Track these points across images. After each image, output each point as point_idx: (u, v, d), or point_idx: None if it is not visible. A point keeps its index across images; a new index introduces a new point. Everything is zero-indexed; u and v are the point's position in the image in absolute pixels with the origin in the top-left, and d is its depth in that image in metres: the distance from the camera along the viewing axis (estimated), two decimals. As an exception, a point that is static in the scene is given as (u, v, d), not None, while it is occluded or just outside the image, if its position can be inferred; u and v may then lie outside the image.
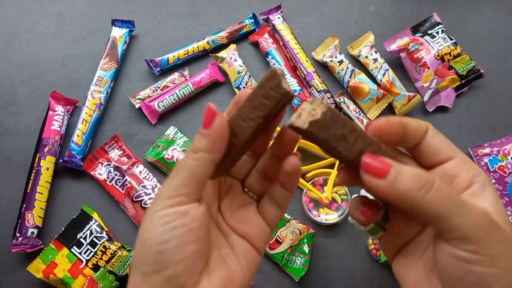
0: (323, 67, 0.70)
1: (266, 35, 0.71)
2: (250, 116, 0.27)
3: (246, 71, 0.67)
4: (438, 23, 0.69)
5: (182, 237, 0.26)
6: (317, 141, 0.26)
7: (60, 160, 0.62)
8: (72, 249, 0.57)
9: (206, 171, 0.27)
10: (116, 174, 0.62)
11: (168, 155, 0.62)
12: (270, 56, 0.69)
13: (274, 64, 0.68)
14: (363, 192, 0.36)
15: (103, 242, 0.57)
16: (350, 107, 0.64)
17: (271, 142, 0.33)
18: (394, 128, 0.27)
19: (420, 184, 0.24)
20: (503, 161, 0.62)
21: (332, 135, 0.25)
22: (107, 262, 0.56)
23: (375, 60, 0.67)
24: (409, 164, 0.27)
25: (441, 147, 0.28)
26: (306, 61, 0.67)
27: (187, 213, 0.27)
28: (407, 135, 0.28)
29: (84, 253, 0.57)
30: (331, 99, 0.65)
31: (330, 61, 0.67)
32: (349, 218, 0.36)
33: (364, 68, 0.69)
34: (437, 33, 0.68)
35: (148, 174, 0.62)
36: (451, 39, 0.67)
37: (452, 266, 0.25)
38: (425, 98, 0.66)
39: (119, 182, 0.61)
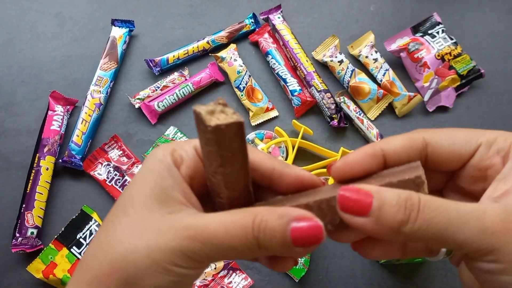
0: (323, 67, 0.69)
1: (266, 35, 0.71)
2: (213, 171, 0.22)
3: (246, 71, 0.67)
4: (439, 23, 0.69)
5: None
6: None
7: (60, 160, 0.62)
8: (72, 250, 0.57)
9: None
10: (115, 174, 0.61)
11: (168, 155, 0.62)
12: (270, 56, 0.68)
13: (274, 63, 0.68)
14: None
15: (103, 242, 0.57)
16: (350, 107, 0.64)
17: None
18: (362, 165, 0.22)
19: (407, 212, 0.19)
20: (504, 161, 0.62)
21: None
22: (107, 262, 0.56)
23: (375, 60, 0.67)
24: None
25: (460, 147, 0.23)
26: (306, 61, 0.67)
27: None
28: (391, 162, 0.23)
29: (84, 254, 0.57)
30: (331, 99, 0.65)
31: (330, 61, 0.67)
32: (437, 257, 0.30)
33: (364, 68, 0.69)
34: (438, 33, 0.68)
35: (148, 174, 0.62)
36: (452, 39, 0.67)
37: (484, 280, 0.21)
38: (426, 98, 0.66)
39: (119, 182, 0.61)
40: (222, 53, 0.68)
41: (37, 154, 0.61)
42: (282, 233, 0.19)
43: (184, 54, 0.69)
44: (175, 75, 0.68)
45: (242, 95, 0.66)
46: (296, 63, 0.67)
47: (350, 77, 0.66)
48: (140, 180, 0.23)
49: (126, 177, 0.61)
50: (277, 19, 0.70)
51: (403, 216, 0.19)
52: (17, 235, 0.57)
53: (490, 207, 0.20)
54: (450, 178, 0.25)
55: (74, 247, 0.57)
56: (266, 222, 0.20)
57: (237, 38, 0.71)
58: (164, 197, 0.22)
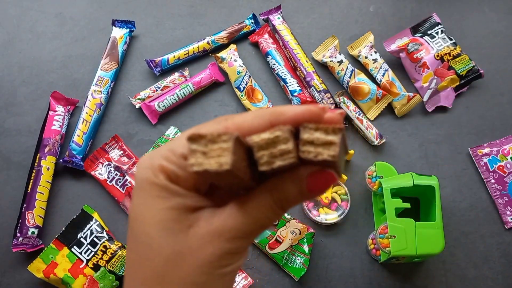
0: (323, 67, 0.70)
1: (266, 35, 0.71)
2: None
3: (246, 71, 0.67)
4: (438, 23, 0.69)
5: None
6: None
7: (61, 160, 0.62)
8: (72, 249, 0.57)
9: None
10: (116, 174, 0.62)
11: (168, 155, 0.62)
12: (270, 56, 0.69)
13: (274, 64, 0.68)
14: None
15: (104, 242, 0.57)
16: (349, 107, 0.65)
17: None
18: None
19: None
20: (503, 161, 0.62)
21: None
22: (107, 261, 0.56)
23: (375, 60, 0.67)
24: None
25: None
26: (306, 61, 0.67)
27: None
28: None
29: (85, 253, 0.57)
30: (331, 99, 0.65)
31: (330, 61, 0.67)
32: None
33: (363, 68, 0.69)
34: (437, 33, 0.68)
35: (148, 174, 0.62)
36: (451, 39, 0.68)
37: None
38: (425, 98, 0.67)
39: (120, 182, 0.61)
40: (222, 54, 0.68)
41: (38, 154, 0.61)
42: (301, 194, 0.21)
43: (184, 55, 0.69)
44: (176, 75, 0.68)
45: (242, 96, 0.67)
46: (296, 64, 0.67)
47: (350, 77, 0.66)
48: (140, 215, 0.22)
49: (127, 177, 0.61)
50: (277, 19, 0.71)
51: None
52: (18, 234, 0.57)
53: None
54: None
55: (74, 247, 0.57)
56: (285, 194, 0.21)
57: (237, 38, 0.71)
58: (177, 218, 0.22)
